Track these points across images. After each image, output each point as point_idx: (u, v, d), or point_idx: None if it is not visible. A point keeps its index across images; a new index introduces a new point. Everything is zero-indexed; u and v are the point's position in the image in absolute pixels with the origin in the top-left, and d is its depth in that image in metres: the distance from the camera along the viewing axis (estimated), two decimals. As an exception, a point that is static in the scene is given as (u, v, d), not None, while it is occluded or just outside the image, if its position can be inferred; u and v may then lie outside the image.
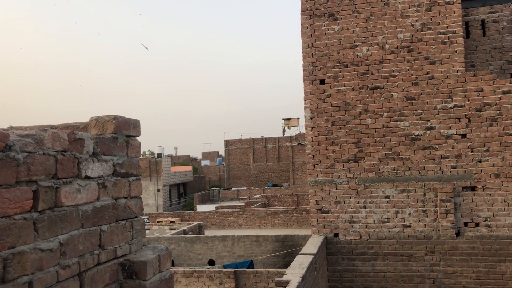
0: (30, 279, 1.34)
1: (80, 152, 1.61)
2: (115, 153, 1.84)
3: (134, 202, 1.97)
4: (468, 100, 8.12)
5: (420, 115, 8.32)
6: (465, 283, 7.98)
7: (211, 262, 14.19)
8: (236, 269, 12.23)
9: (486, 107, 8.03)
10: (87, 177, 1.64)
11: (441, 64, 8.27)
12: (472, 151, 8.08)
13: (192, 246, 15.99)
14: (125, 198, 1.90)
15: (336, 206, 8.62)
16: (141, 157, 51.40)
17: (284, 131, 51.14)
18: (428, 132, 8.28)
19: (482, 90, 8.07)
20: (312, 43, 8.84)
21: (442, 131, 8.22)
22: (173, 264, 14.32)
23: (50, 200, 1.45)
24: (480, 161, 8.04)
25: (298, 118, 50.02)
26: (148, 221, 26.60)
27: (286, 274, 5.91)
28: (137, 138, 2.03)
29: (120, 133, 1.88)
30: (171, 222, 24.81)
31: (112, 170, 1.81)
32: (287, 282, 5.51)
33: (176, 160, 66.74)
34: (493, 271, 7.88)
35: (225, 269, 12.40)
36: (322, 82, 8.80)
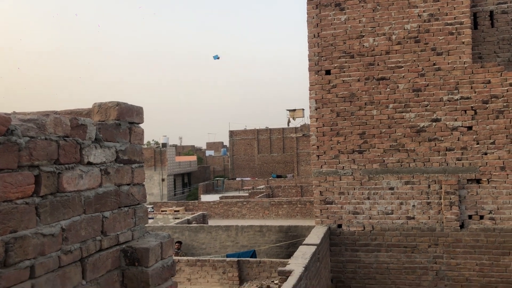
0: (32, 264, 1.34)
1: (82, 138, 1.60)
2: (118, 140, 1.83)
3: (137, 189, 1.97)
4: (475, 92, 8.05)
5: (426, 106, 8.26)
6: (468, 276, 7.98)
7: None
8: (239, 258, 12.28)
9: (493, 99, 7.96)
10: (89, 163, 1.63)
11: (448, 55, 8.19)
12: (477, 144, 8.02)
13: (196, 235, 16.06)
14: (128, 185, 1.90)
15: (340, 197, 8.61)
16: (146, 146, 51.54)
17: (289, 122, 50.99)
18: (434, 124, 8.22)
19: (489, 82, 7.99)
20: (318, 33, 8.77)
21: (448, 123, 8.16)
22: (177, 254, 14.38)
23: (52, 185, 1.44)
24: (486, 154, 7.99)
25: (303, 109, 49.83)
26: (152, 210, 26.71)
27: (289, 264, 5.94)
28: (140, 125, 2.02)
29: (123, 119, 1.87)
30: (175, 211, 24.88)
31: (115, 157, 1.80)
32: (290, 272, 5.53)
33: (181, 150, 66.88)
34: (496, 264, 7.87)
35: (228, 259, 12.46)
36: (328, 72, 8.74)
